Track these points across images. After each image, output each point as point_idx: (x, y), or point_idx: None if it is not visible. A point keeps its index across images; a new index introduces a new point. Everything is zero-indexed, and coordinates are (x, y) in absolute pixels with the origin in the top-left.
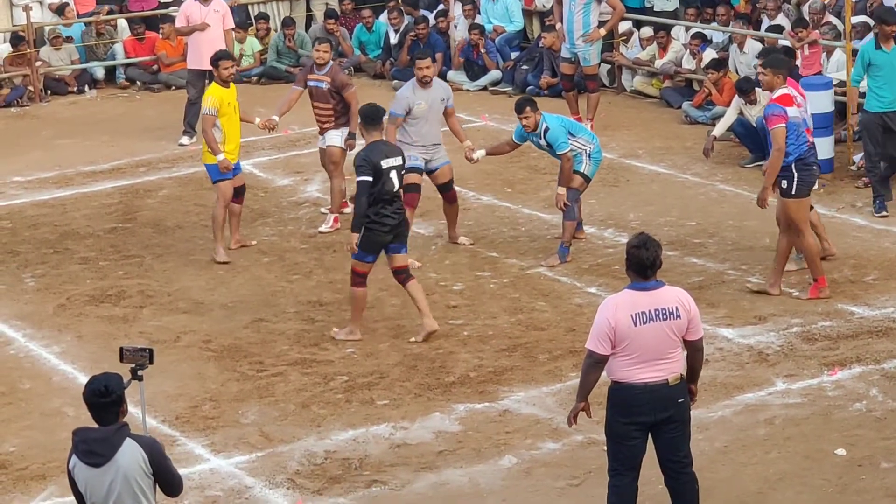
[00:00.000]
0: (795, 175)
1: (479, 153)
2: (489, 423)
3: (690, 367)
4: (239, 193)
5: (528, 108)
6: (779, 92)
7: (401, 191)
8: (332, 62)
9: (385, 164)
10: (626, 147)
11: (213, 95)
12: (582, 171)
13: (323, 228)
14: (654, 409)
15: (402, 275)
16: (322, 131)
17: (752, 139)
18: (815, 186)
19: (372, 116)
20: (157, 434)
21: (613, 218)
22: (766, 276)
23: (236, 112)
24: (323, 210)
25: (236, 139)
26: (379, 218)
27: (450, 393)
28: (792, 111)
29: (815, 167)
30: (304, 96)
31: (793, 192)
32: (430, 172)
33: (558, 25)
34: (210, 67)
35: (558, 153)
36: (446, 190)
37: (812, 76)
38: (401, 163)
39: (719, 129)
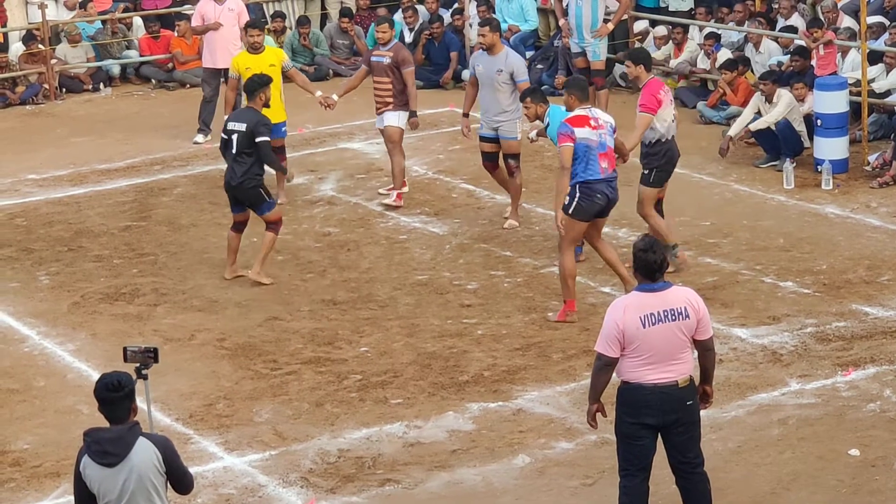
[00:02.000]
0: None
1: (533, 133)
2: (503, 423)
3: (703, 368)
4: (279, 151)
5: (528, 98)
6: (573, 113)
7: None
8: (395, 40)
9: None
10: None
11: (237, 59)
12: None
13: (387, 201)
14: (663, 411)
15: None
16: (379, 112)
17: (768, 139)
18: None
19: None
20: (170, 432)
21: (627, 217)
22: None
23: (271, 75)
24: (381, 191)
25: (279, 100)
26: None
27: (463, 392)
28: (582, 132)
29: (598, 195)
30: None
31: (569, 211)
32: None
33: (562, 21)
34: (224, 66)
35: (557, 145)
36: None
37: (827, 76)
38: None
39: (735, 128)
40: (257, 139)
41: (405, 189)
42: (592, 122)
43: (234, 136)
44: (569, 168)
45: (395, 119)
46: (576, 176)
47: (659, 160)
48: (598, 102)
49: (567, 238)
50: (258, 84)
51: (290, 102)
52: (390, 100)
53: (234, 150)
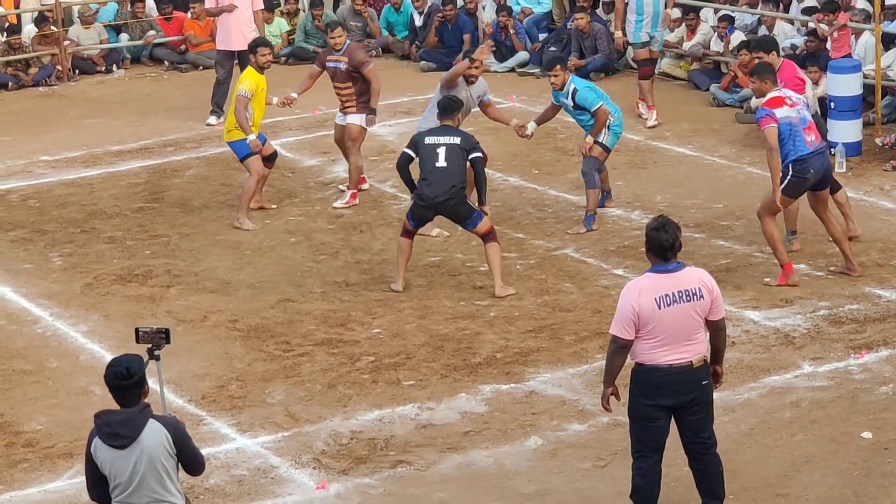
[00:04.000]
0: (790, 173)
1: (531, 126)
2: (515, 404)
3: (714, 348)
4: (271, 160)
5: (557, 66)
6: (768, 95)
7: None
8: (348, 42)
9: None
10: (653, 129)
11: (250, 79)
12: (601, 141)
13: (337, 204)
14: (678, 392)
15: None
16: (343, 112)
17: None
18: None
19: (442, 108)
20: (183, 413)
21: (640, 200)
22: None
23: (265, 97)
24: (341, 187)
25: (258, 121)
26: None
27: (476, 374)
28: (781, 111)
29: (810, 171)
30: (326, 80)
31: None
32: None
33: (618, 34)
34: (238, 48)
35: (591, 109)
36: None
37: (841, 59)
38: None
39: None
40: (472, 156)
41: (365, 186)
42: (788, 101)
43: (441, 150)
44: (777, 148)
45: (357, 119)
46: (787, 156)
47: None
48: (641, 91)
49: (767, 208)
50: (458, 105)
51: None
52: (353, 103)
53: (440, 164)
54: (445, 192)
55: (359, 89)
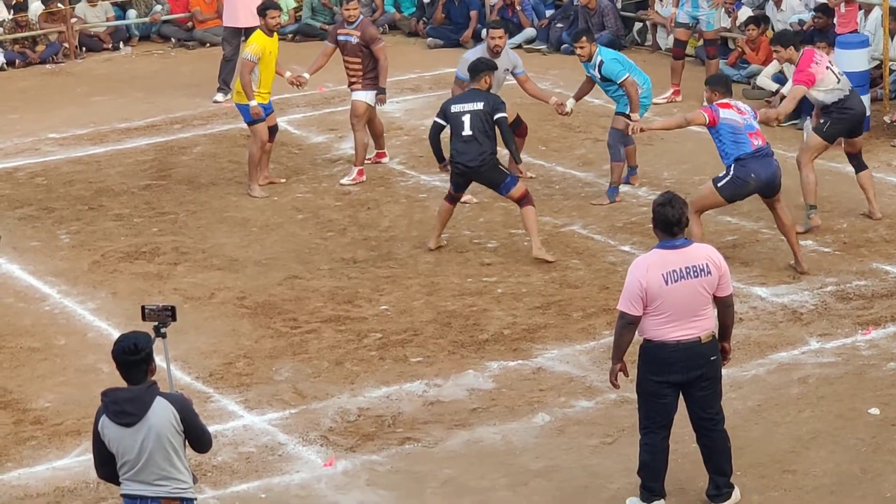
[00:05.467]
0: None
1: (570, 103)
2: (523, 381)
3: (722, 324)
4: (272, 133)
5: (584, 38)
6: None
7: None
8: (362, 17)
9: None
10: (660, 105)
11: (257, 43)
12: (628, 112)
13: (345, 181)
14: (687, 368)
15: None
16: (350, 88)
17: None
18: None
19: (473, 69)
20: (190, 391)
21: (647, 176)
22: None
23: (275, 60)
24: (385, 161)
25: (269, 85)
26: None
27: (483, 350)
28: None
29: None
30: (337, 55)
31: (718, 185)
32: None
33: (673, 10)
34: (245, 25)
35: (618, 81)
36: None
37: (848, 34)
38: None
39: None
40: (497, 116)
41: (385, 160)
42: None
43: (466, 117)
44: (689, 121)
45: (362, 96)
46: (728, 155)
47: (837, 115)
48: (708, 71)
49: (696, 205)
50: (486, 66)
51: (304, 62)
52: (358, 79)
53: (466, 133)
54: (474, 158)
55: (366, 65)
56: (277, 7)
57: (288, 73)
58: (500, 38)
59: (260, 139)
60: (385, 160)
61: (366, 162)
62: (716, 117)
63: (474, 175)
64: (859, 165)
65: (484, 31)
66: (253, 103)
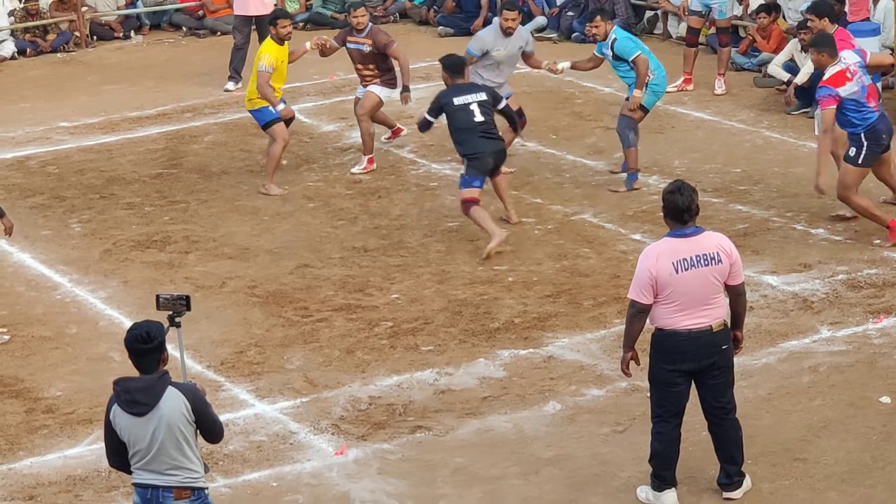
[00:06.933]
0: (864, 143)
1: (563, 64)
2: (533, 370)
3: (734, 313)
4: (287, 123)
5: (598, 17)
6: (830, 71)
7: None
8: (370, 25)
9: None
10: (671, 94)
11: (270, 54)
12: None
13: (355, 169)
14: (698, 356)
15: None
16: (364, 84)
17: (801, 86)
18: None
19: (454, 66)
20: (202, 380)
21: (658, 165)
22: None
23: (286, 67)
24: (384, 138)
25: (280, 87)
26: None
27: (494, 339)
28: (845, 89)
29: (884, 136)
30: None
31: (859, 161)
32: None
33: None
34: (256, 13)
35: (630, 58)
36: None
37: (859, 22)
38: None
39: (802, 77)
40: (500, 106)
41: (404, 132)
42: (849, 74)
43: (475, 106)
44: (831, 130)
45: (377, 90)
46: (856, 127)
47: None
48: (720, 59)
49: (844, 186)
50: (465, 62)
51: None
52: (377, 79)
53: (479, 119)
54: (497, 140)
55: (382, 69)
56: (288, 16)
57: (307, 44)
58: (513, 20)
59: (281, 139)
60: (404, 132)
61: (387, 140)
62: (838, 100)
63: (499, 159)
64: None
65: (495, 19)
66: (281, 105)
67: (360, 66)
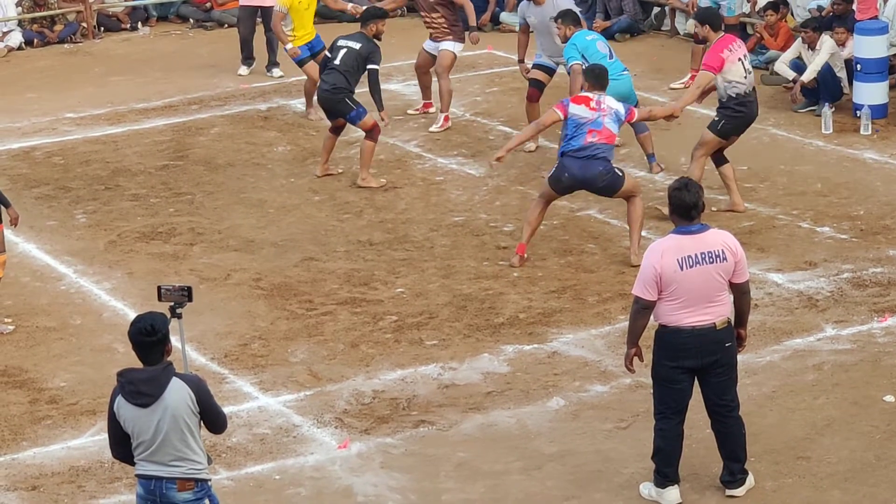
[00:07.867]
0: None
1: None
2: (538, 365)
3: (738, 311)
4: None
5: (559, 21)
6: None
7: None
8: None
9: None
10: (678, 90)
11: None
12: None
13: (433, 128)
14: (701, 353)
15: None
16: (435, 39)
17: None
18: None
19: (363, 16)
20: (205, 372)
21: (664, 161)
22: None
23: (309, 10)
24: (411, 111)
25: (306, 28)
26: None
27: (499, 334)
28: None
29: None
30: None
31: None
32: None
33: None
34: (261, 4)
35: (567, 65)
36: None
37: (867, 21)
38: None
39: (808, 74)
40: (370, 66)
41: (432, 110)
42: (592, 105)
43: (342, 52)
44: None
45: (451, 46)
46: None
47: (731, 113)
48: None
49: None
50: (375, 16)
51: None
52: (447, 32)
53: (337, 62)
54: (329, 87)
55: (450, 20)
56: None
57: (350, 5)
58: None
59: (311, 77)
60: (431, 110)
61: (414, 111)
62: (566, 111)
63: (323, 102)
64: (721, 160)
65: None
66: (288, 46)
67: (425, 16)
